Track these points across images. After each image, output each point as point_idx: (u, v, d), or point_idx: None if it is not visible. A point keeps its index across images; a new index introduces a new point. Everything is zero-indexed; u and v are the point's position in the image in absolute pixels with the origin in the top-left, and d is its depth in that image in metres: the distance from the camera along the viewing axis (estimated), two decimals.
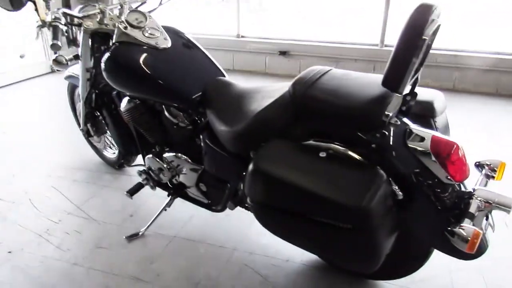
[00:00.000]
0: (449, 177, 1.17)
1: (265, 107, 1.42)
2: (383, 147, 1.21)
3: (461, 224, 1.12)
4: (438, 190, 1.19)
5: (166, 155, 1.84)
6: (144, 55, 1.69)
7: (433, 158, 1.16)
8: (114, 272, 1.75)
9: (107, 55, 1.74)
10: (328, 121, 1.30)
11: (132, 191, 1.93)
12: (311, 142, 1.33)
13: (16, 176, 2.52)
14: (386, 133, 1.18)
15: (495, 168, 1.29)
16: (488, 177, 1.30)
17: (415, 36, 1.05)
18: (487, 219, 1.19)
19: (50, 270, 1.77)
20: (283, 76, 4.59)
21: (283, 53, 4.55)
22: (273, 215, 1.32)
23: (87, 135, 2.31)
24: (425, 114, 1.36)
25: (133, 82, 1.75)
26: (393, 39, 3.74)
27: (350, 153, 1.26)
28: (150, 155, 1.89)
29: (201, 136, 1.71)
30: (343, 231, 1.17)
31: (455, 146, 1.16)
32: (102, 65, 1.76)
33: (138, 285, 1.68)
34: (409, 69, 1.09)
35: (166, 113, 1.79)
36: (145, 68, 1.67)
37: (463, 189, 1.26)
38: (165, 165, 1.84)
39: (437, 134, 1.20)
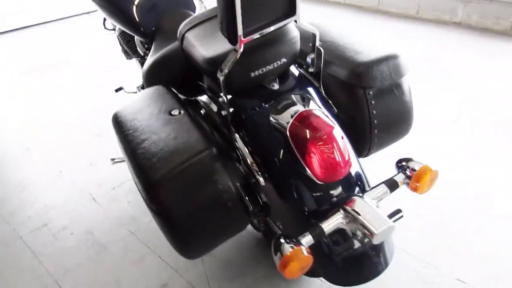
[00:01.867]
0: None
1: (169, 48, 1.26)
2: (234, 113, 1.04)
3: (291, 238, 0.88)
4: (299, 186, 0.99)
5: None
6: None
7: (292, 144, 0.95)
8: None
9: None
10: (193, 75, 1.17)
11: None
12: (198, 98, 1.23)
13: None
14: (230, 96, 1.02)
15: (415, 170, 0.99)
16: (406, 183, 1.02)
17: None
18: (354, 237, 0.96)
19: None
20: (396, 15, 4.23)
21: None
22: None
23: None
24: (354, 82, 1.13)
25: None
26: None
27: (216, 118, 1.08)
28: None
29: None
30: None
31: (323, 133, 0.91)
32: None
33: None
34: (240, 14, 0.86)
35: None
36: None
37: (338, 191, 1.00)
38: None
39: (310, 110, 0.97)
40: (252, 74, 1.04)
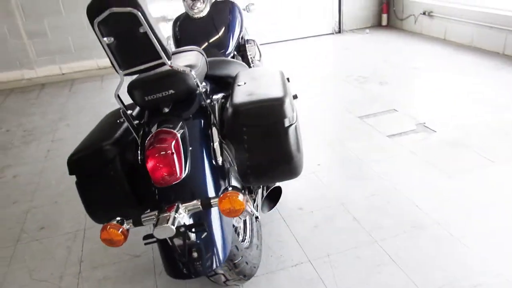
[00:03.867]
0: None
1: None
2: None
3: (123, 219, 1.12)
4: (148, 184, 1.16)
5: None
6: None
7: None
8: None
9: None
10: None
11: None
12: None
13: None
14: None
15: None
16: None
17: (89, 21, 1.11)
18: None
19: None
20: (426, 36, 4.74)
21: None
22: None
23: None
24: (233, 118, 1.27)
25: None
26: None
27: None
28: None
29: None
30: None
31: (159, 147, 1.09)
32: None
33: None
34: (111, 55, 1.14)
35: None
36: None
37: (167, 194, 1.16)
38: None
39: (162, 130, 1.16)
40: (146, 98, 1.26)
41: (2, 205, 2.33)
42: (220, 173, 1.29)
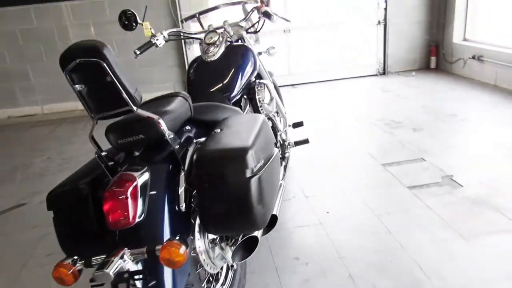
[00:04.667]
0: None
1: None
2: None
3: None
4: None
5: None
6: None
7: None
8: None
9: None
10: None
11: None
12: None
13: None
14: None
15: None
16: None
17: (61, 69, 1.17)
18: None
19: None
20: (475, 81, 4.60)
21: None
22: None
23: None
24: (195, 165, 1.29)
25: None
26: None
27: None
28: None
29: None
30: None
31: (116, 192, 1.12)
32: None
33: None
34: (83, 101, 1.22)
35: None
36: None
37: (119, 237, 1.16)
38: None
39: (124, 174, 1.19)
40: (119, 142, 1.31)
41: (22, 228, 2.49)
42: (182, 220, 1.28)
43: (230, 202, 1.23)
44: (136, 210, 1.15)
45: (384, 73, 5.40)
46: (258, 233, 1.50)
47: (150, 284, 1.13)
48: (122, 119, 1.31)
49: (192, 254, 1.46)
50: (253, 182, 1.23)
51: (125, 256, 1.09)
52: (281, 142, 2.43)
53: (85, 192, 1.32)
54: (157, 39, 2.11)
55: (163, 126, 1.27)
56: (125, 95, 1.19)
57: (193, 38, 2.32)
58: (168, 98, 1.48)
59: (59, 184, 1.39)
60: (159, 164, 1.29)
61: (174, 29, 2.19)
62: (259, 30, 2.43)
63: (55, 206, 1.34)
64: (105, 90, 1.19)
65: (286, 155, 2.44)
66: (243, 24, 2.41)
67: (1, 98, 4.92)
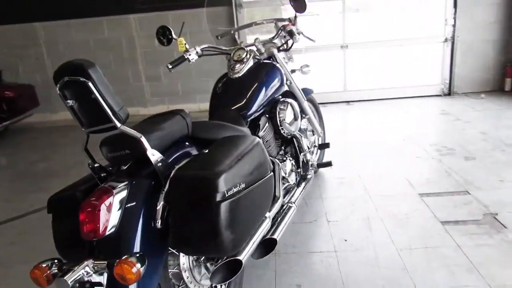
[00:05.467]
0: None
1: None
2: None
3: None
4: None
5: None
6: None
7: None
8: None
9: None
10: None
11: None
12: None
13: None
14: None
15: None
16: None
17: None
18: None
19: None
20: None
21: None
22: None
23: None
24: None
25: None
26: None
27: None
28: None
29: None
30: None
31: (89, 204, 1.18)
32: None
33: None
34: (74, 116, 1.28)
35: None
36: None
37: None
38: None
39: (104, 187, 1.23)
40: (109, 155, 1.38)
41: None
42: (156, 237, 1.30)
43: (199, 224, 1.23)
44: (107, 223, 1.19)
45: (449, 94, 5.03)
46: (244, 256, 1.47)
47: None
48: (113, 134, 1.37)
49: (176, 270, 1.47)
50: (223, 207, 1.21)
51: (87, 267, 1.13)
52: (304, 162, 2.37)
53: (80, 199, 1.39)
54: (189, 54, 2.19)
55: (145, 143, 1.30)
56: (109, 112, 1.24)
57: (224, 53, 2.36)
58: (165, 115, 1.52)
59: (61, 189, 1.49)
60: (141, 179, 1.33)
61: (207, 45, 2.26)
62: (289, 48, 2.40)
63: (53, 210, 1.44)
64: (93, 106, 1.26)
65: (308, 176, 2.36)
66: (274, 41, 2.41)
67: None
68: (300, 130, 2.83)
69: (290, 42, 2.38)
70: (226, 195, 1.22)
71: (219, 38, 2.62)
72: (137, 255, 1.12)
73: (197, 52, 2.21)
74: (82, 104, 1.27)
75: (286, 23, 2.35)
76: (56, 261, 1.21)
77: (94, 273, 1.15)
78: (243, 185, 1.30)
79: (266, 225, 1.72)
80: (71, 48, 5.17)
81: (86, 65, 1.22)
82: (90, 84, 1.20)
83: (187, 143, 1.55)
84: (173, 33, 2.21)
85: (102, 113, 1.25)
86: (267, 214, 1.79)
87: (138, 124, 1.48)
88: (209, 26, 2.81)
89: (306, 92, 2.84)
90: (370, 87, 5.16)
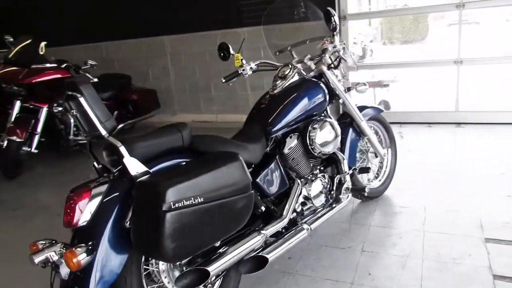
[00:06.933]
0: None
1: None
2: None
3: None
4: None
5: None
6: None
7: None
8: None
9: None
10: None
11: None
12: None
13: None
14: None
15: None
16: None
17: None
18: None
19: None
20: None
21: None
22: None
23: None
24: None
25: None
26: None
27: None
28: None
29: None
30: None
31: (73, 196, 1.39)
32: None
33: None
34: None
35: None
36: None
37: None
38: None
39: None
40: (106, 159, 1.60)
41: None
42: (124, 235, 1.44)
43: (146, 229, 1.35)
44: (81, 215, 1.39)
45: None
46: (215, 268, 1.54)
47: (73, 277, 1.37)
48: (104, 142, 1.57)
49: (156, 269, 1.61)
50: (169, 217, 1.30)
51: (54, 249, 1.36)
52: (337, 184, 2.26)
53: None
54: (243, 69, 2.35)
55: (123, 151, 1.47)
56: (97, 122, 1.45)
57: (276, 69, 2.43)
58: (163, 128, 1.67)
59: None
60: (122, 182, 1.50)
61: (260, 61, 2.38)
62: (336, 66, 2.33)
63: None
64: (88, 117, 1.48)
65: (342, 199, 2.24)
66: (324, 59, 2.36)
67: (190, 105, 6.05)
68: (360, 151, 2.70)
69: (338, 59, 2.31)
70: (173, 206, 1.31)
71: (277, 54, 2.68)
72: (87, 247, 1.30)
73: (251, 68, 2.34)
74: (81, 114, 1.51)
75: (322, 41, 2.31)
76: (53, 241, 1.45)
77: (60, 257, 1.36)
78: (200, 199, 1.37)
79: (256, 241, 1.74)
80: (190, 58, 5.81)
81: (79, 82, 1.46)
82: (81, 99, 1.44)
83: (182, 154, 1.67)
84: (231, 49, 2.39)
85: (93, 123, 1.48)
86: (263, 231, 1.80)
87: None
88: (267, 42, 2.87)
89: (373, 111, 2.69)
90: (487, 109, 4.49)
